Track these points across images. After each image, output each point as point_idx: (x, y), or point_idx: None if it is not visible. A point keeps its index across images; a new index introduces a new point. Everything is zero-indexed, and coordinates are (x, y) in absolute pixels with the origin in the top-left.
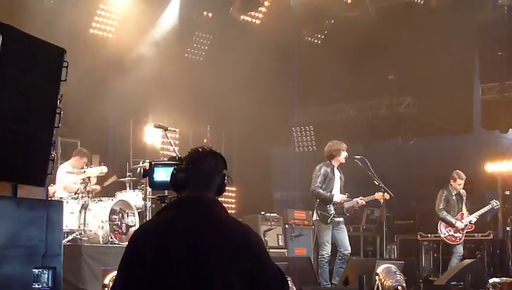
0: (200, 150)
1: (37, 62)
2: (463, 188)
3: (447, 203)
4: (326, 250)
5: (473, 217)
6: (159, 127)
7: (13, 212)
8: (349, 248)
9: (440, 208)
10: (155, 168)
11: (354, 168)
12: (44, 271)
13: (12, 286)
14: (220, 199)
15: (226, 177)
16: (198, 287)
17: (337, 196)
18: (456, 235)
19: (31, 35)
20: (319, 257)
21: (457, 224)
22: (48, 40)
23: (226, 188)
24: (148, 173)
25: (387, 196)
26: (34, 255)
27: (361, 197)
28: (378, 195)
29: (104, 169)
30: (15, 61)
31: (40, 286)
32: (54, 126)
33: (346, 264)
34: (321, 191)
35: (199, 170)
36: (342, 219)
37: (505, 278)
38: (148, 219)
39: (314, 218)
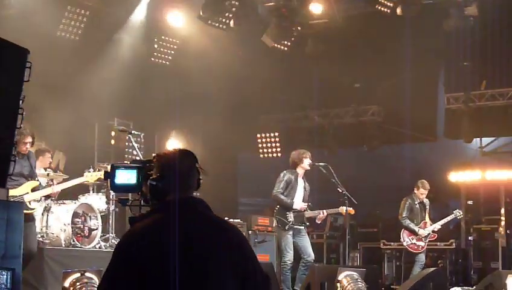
0: (171, 152)
1: None
2: (426, 197)
3: (410, 211)
4: (288, 256)
5: (436, 226)
6: (124, 130)
7: None
8: (313, 255)
9: (403, 216)
10: (116, 171)
11: (318, 175)
12: (3, 272)
13: None
14: None
15: (199, 172)
16: (192, 288)
17: (297, 204)
18: (418, 243)
19: None
20: (282, 263)
21: (420, 232)
22: (13, 41)
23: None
24: (109, 175)
25: (351, 211)
26: None
27: (325, 210)
28: (341, 209)
29: (101, 174)
30: None
31: None
32: (16, 127)
33: (308, 271)
34: (282, 197)
35: (177, 172)
36: (302, 227)
37: (466, 288)
38: (111, 222)
39: (274, 224)
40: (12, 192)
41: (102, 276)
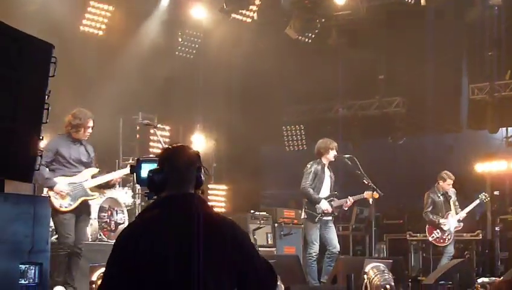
0: (172, 147)
1: (24, 58)
2: (453, 187)
3: (433, 205)
4: (314, 248)
5: (463, 214)
6: (148, 124)
7: None
8: (338, 246)
9: (426, 211)
10: (142, 164)
11: (343, 167)
12: (31, 267)
13: None
14: (209, 197)
15: (201, 170)
16: (188, 285)
17: (324, 204)
18: (444, 236)
19: (19, 31)
20: (307, 255)
21: (445, 227)
22: (37, 35)
23: (216, 186)
24: (135, 169)
25: (376, 195)
26: (20, 250)
27: (350, 197)
28: (367, 194)
29: (127, 170)
30: (3, 57)
31: (26, 282)
32: (42, 122)
33: (334, 263)
34: (311, 191)
35: (174, 168)
36: (330, 218)
37: (493, 278)
38: None
39: (302, 216)
40: (72, 179)
41: (104, 272)
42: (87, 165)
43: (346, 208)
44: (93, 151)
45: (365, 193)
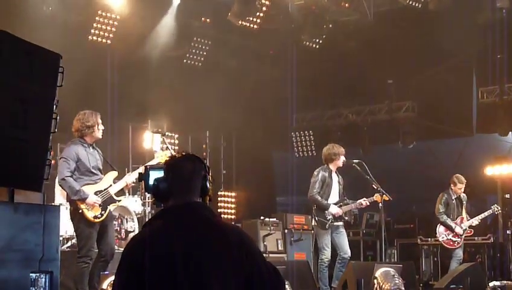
0: (177, 155)
1: (33, 68)
2: (463, 192)
3: (447, 206)
4: (326, 254)
5: (474, 221)
6: (157, 132)
7: (10, 217)
8: (349, 252)
9: (440, 211)
10: (150, 172)
11: (352, 172)
12: (42, 275)
13: None
14: (219, 204)
15: (207, 178)
16: None
17: (333, 208)
18: (454, 239)
19: (27, 41)
20: (319, 261)
21: (457, 229)
22: (46, 45)
23: (226, 193)
24: (144, 177)
25: (386, 197)
26: (30, 259)
27: (365, 199)
28: (377, 197)
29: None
30: (12, 68)
31: None
32: (51, 131)
33: (345, 268)
34: (319, 198)
35: (179, 176)
36: (341, 223)
37: (505, 282)
38: None
39: (313, 223)
40: (96, 187)
41: (113, 281)
42: (101, 171)
43: (355, 211)
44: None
45: (375, 195)
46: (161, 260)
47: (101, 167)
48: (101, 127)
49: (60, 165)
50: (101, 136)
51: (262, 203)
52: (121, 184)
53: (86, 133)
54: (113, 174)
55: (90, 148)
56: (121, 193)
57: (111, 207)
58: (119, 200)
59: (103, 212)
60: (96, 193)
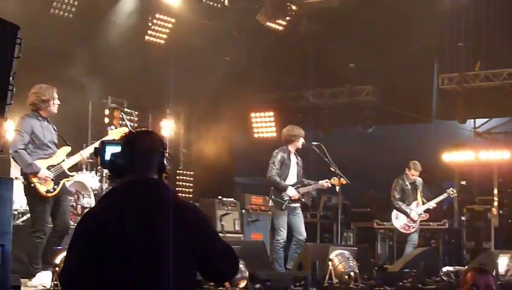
0: (135, 131)
1: None
2: (420, 177)
3: (402, 192)
4: (282, 235)
5: (431, 204)
6: (116, 108)
7: None
8: (305, 234)
9: (396, 197)
10: (106, 147)
11: (311, 155)
12: None
13: None
14: (177, 183)
15: (164, 155)
16: (148, 267)
17: (291, 191)
18: (410, 224)
19: None
20: (275, 242)
21: (412, 214)
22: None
23: (185, 172)
24: (99, 151)
25: (343, 181)
26: None
27: (327, 180)
28: (334, 180)
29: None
30: None
31: None
32: (7, 103)
33: (301, 250)
34: (277, 179)
35: (136, 152)
36: (298, 205)
37: (458, 267)
38: None
39: (270, 204)
40: (49, 161)
41: (65, 256)
42: (56, 145)
43: (314, 192)
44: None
45: (332, 179)
46: (114, 236)
47: (56, 141)
48: (57, 102)
49: (14, 137)
50: (56, 111)
51: (220, 183)
52: (75, 159)
53: (41, 107)
54: (67, 149)
55: (45, 121)
56: (76, 168)
57: (66, 182)
58: (72, 175)
59: (56, 187)
60: (48, 168)
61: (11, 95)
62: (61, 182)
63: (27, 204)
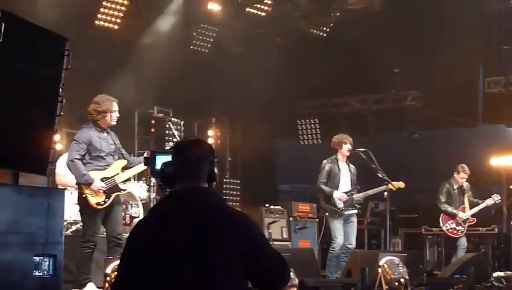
0: (184, 140)
1: (37, 50)
2: (467, 181)
3: (448, 196)
4: (337, 243)
5: (477, 208)
6: (163, 118)
7: (14, 200)
8: (354, 243)
9: (442, 201)
10: (156, 156)
11: (358, 161)
12: (45, 259)
13: (13, 272)
14: (224, 191)
15: (214, 164)
16: (200, 278)
17: (336, 193)
18: (458, 228)
19: (33, 24)
20: (330, 249)
21: (460, 215)
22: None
23: (232, 180)
24: (149, 161)
25: (401, 185)
26: (34, 242)
27: (386, 184)
28: (390, 185)
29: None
30: (16, 50)
31: (40, 274)
32: (56, 114)
33: (349, 257)
34: (324, 187)
35: (186, 161)
36: (354, 211)
37: (509, 272)
38: None
39: (326, 214)
40: (103, 173)
41: (118, 265)
42: (114, 157)
43: (362, 199)
44: (117, 139)
45: (389, 184)
46: (167, 245)
47: (113, 153)
48: (116, 114)
49: (70, 147)
50: (113, 123)
51: (266, 191)
52: (129, 173)
53: (98, 118)
54: (122, 162)
55: (104, 133)
56: (126, 179)
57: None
58: (124, 190)
59: (107, 199)
60: (102, 179)
61: (61, 107)
62: (113, 195)
63: (79, 213)
